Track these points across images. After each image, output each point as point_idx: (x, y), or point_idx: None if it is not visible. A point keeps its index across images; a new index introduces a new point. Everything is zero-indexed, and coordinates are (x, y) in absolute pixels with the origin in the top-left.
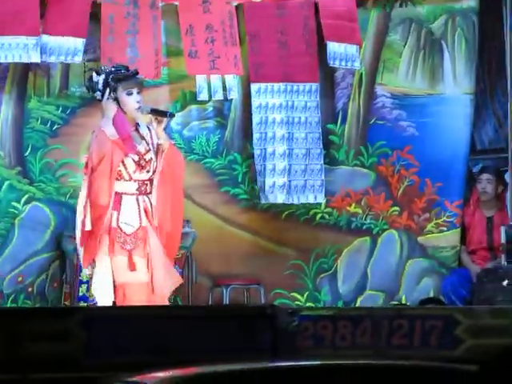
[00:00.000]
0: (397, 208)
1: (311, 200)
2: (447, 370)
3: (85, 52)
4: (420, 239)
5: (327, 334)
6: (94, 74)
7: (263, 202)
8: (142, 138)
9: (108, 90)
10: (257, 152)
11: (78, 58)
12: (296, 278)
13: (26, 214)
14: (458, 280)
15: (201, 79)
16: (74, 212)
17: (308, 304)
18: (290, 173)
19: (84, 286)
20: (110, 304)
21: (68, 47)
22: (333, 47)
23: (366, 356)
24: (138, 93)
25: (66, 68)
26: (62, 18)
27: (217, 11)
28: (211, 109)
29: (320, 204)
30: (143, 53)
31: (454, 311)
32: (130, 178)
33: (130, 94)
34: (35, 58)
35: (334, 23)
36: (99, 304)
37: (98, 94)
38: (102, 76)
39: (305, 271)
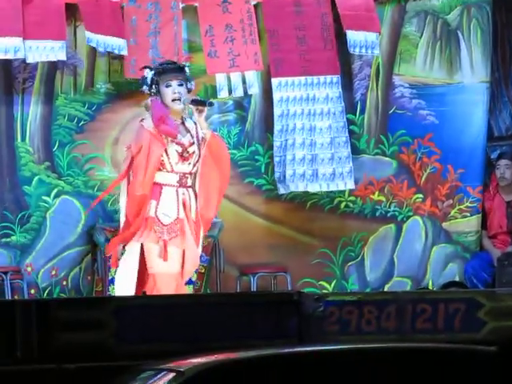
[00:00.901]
0: (420, 195)
1: (341, 187)
2: (467, 351)
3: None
4: (444, 225)
5: (353, 318)
6: (147, 70)
7: (282, 192)
8: (188, 131)
9: (152, 84)
10: (276, 144)
11: (125, 52)
12: (324, 267)
13: (56, 208)
14: (480, 264)
15: (221, 77)
16: (104, 205)
17: None
18: (315, 162)
19: (113, 270)
20: (132, 291)
21: (113, 43)
22: (352, 35)
23: (390, 340)
24: (180, 85)
25: (92, 66)
26: (98, 19)
27: (236, 11)
28: (231, 102)
29: (343, 192)
30: (164, 53)
31: (477, 294)
32: (172, 170)
33: (168, 86)
34: (61, 57)
35: (352, 14)
36: (119, 289)
37: (145, 89)
38: (152, 71)
39: (332, 260)
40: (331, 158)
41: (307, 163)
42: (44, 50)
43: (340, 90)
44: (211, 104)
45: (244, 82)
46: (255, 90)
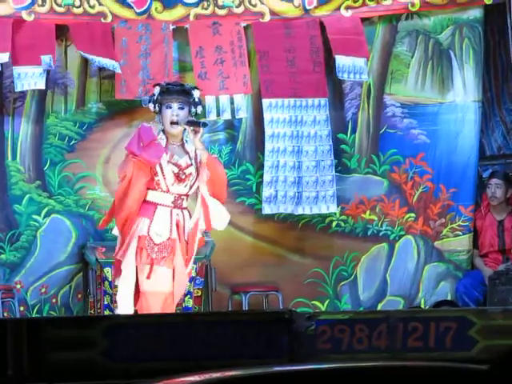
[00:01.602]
0: (412, 214)
1: (324, 210)
2: (458, 370)
3: (102, 69)
4: (436, 244)
5: (344, 337)
6: (157, 88)
7: (266, 212)
8: (186, 152)
9: (156, 103)
10: (268, 164)
11: (119, 70)
12: (316, 287)
13: (46, 226)
14: (471, 282)
15: (210, 99)
16: (95, 224)
17: None
18: (300, 184)
19: (108, 297)
20: (131, 310)
21: (106, 63)
22: (341, 60)
23: (382, 358)
24: (181, 108)
25: (83, 86)
26: (90, 41)
27: (226, 32)
28: (222, 121)
29: (335, 212)
30: (154, 75)
31: (468, 313)
32: (168, 190)
33: (169, 107)
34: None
35: (340, 38)
36: (120, 309)
37: (151, 106)
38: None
39: (325, 279)
40: (315, 181)
41: (293, 185)
42: (33, 77)
43: (327, 113)
44: (205, 124)
45: (232, 103)
46: (243, 113)
